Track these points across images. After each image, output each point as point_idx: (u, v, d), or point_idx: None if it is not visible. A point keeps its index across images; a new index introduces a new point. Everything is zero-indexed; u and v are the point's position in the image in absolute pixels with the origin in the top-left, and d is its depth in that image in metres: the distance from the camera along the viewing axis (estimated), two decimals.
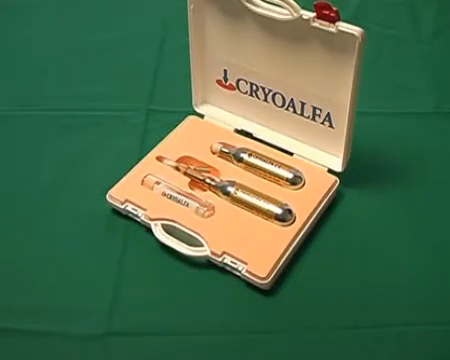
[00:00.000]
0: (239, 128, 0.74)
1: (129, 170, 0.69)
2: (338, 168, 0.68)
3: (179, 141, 0.73)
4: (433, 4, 0.93)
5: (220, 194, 0.66)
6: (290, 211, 0.64)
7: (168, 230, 0.64)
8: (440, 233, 0.66)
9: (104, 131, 0.77)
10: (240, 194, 0.65)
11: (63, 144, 0.76)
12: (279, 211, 0.64)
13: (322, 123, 0.68)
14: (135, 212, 0.65)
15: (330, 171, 0.69)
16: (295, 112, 0.70)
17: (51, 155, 0.75)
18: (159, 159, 0.70)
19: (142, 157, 0.71)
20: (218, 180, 0.68)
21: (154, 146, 0.72)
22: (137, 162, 0.70)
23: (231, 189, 0.66)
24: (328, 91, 0.65)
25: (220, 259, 0.61)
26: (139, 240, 0.65)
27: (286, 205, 0.64)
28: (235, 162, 0.70)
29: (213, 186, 0.67)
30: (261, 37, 0.67)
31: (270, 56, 0.67)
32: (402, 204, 0.68)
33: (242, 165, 0.69)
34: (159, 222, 0.64)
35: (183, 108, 0.78)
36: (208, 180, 0.67)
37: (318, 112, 0.68)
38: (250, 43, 0.68)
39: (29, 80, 0.85)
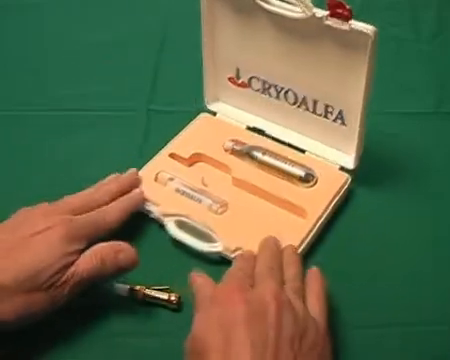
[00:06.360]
0: (251, 125, 0.74)
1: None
2: (350, 165, 0.68)
3: (191, 138, 0.73)
4: (433, 4, 0.93)
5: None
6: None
7: (181, 226, 0.64)
8: (445, 233, 0.66)
9: (104, 131, 0.77)
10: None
11: (63, 144, 0.75)
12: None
13: (334, 120, 0.68)
14: (148, 208, 0.66)
15: (341, 169, 0.69)
16: (307, 110, 0.70)
17: (51, 155, 0.75)
18: (172, 156, 0.71)
19: (142, 157, 0.71)
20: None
21: (155, 146, 0.72)
22: (137, 162, 0.70)
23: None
24: (341, 89, 0.66)
25: (233, 255, 0.61)
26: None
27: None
28: (247, 160, 0.70)
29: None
30: (274, 35, 0.67)
31: (283, 54, 0.68)
32: (404, 202, 0.69)
33: (254, 163, 0.69)
34: (172, 218, 0.64)
35: (183, 108, 0.78)
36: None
37: (330, 109, 0.68)
38: (263, 41, 0.68)
39: (28, 80, 0.85)
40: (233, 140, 0.71)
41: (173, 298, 0.59)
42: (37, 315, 0.54)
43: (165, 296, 0.59)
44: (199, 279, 0.55)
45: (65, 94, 0.82)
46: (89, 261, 0.56)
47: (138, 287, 0.60)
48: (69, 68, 0.86)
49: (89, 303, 0.59)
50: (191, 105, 0.76)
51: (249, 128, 0.74)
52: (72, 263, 0.55)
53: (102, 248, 0.58)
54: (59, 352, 0.57)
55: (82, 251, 0.57)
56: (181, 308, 0.60)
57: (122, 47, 0.89)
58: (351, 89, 0.64)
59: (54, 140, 0.76)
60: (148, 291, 0.60)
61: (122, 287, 0.60)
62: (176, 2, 0.96)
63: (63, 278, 0.55)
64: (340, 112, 0.67)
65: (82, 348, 0.57)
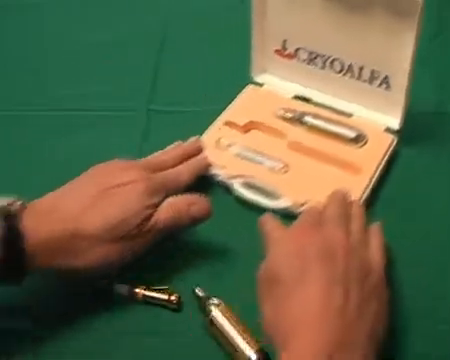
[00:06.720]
0: (298, 94, 0.77)
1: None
2: (395, 126, 0.72)
3: (243, 108, 0.77)
4: (433, 4, 0.93)
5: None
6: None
7: (247, 187, 0.68)
8: None
9: (104, 131, 0.77)
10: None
11: (63, 144, 0.76)
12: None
13: (379, 86, 0.72)
14: (214, 172, 0.69)
15: (386, 130, 0.73)
16: (353, 77, 0.74)
17: (51, 155, 0.75)
18: (227, 125, 0.74)
19: (142, 157, 0.70)
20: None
21: (155, 146, 0.72)
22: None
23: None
24: (388, 55, 0.70)
25: (300, 209, 0.64)
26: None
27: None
28: (298, 125, 0.73)
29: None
30: (323, 4, 0.70)
31: (331, 23, 0.71)
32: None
33: (306, 127, 0.73)
34: (238, 179, 0.68)
35: (183, 108, 0.78)
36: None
37: (376, 75, 0.72)
38: (311, 11, 0.71)
39: (28, 80, 0.85)
40: (284, 108, 0.75)
41: (173, 298, 0.59)
42: (114, 265, 0.58)
43: (165, 296, 0.59)
44: (270, 221, 0.58)
45: (65, 94, 0.82)
46: (166, 212, 0.60)
47: (138, 287, 0.60)
48: (69, 68, 0.86)
49: (89, 303, 0.60)
50: (191, 105, 0.76)
51: (295, 97, 0.77)
52: (152, 214, 0.59)
53: (177, 199, 0.61)
54: (59, 352, 0.57)
55: (158, 205, 0.60)
56: (181, 308, 0.60)
57: (122, 47, 0.89)
58: (398, 54, 0.68)
59: (54, 140, 0.76)
60: (148, 291, 0.60)
61: (122, 287, 0.60)
62: (176, 2, 0.96)
63: (146, 227, 0.58)
64: (386, 77, 0.71)
65: (82, 348, 0.58)
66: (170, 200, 0.61)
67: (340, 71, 0.74)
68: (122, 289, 0.60)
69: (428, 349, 0.56)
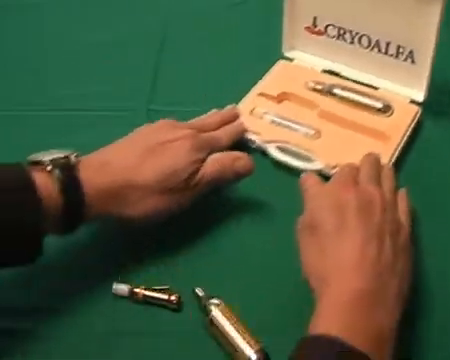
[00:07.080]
0: (326, 69, 0.81)
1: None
2: (420, 98, 0.76)
3: (275, 81, 0.81)
4: None
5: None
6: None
7: (282, 151, 0.71)
8: None
9: (104, 131, 0.77)
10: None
11: (63, 144, 0.75)
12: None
13: (405, 60, 0.76)
14: (250, 137, 0.73)
15: (411, 103, 0.77)
16: (380, 52, 0.77)
17: None
18: (262, 95, 0.78)
19: None
20: None
21: None
22: None
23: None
24: (413, 30, 0.73)
25: (332, 171, 0.67)
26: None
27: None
28: (328, 96, 0.78)
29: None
30: None
31: (360, 0, 0.74)
32: None
33: (335, 98, 0.77)
34: (273, 144, 0.72)
35: (183, 108, 0.78)
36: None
37: (401, 50, 0.76)
38: None
39: (28, 80, 0.85)
40: (314, 80, 0.79)
41: (173, 298, 0.59)
42: (162, 216, 0.61)
43: (165, 296, 0.59)
44: (309, 180, 0.61)
45: (65, 94, 0.82)
46: (211, 166, 0.64)
47: (138, 287, 0.60)
48: (69, 68, 0.86)
49: (89, 303, 0.60)
50: (191, 105, 0.76)
51: (324, 71, 0.81)
52: (198, 169, 0.63)
53: (221, 155, 0.65)
54: (59, 351, 0.57)
55: (203, 161, 0.64)
56: (181, 308, 0.60)
57: (122, 47, 0.89)
58: (423, 29, 0.71)
59: (54, 140, 0.76)
60: (148, 291, 0.60)
61: (122, 287, 0.60)
62: (176, 2, 0.96)
63: (193, 181, 0.62)
64: (411, 52, 0.75)
65: (82, 348, 0.58)
66: (215, 156, 0.65)
67: (368, 46, 0.78)
68: (122, 289, 0.60)
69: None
